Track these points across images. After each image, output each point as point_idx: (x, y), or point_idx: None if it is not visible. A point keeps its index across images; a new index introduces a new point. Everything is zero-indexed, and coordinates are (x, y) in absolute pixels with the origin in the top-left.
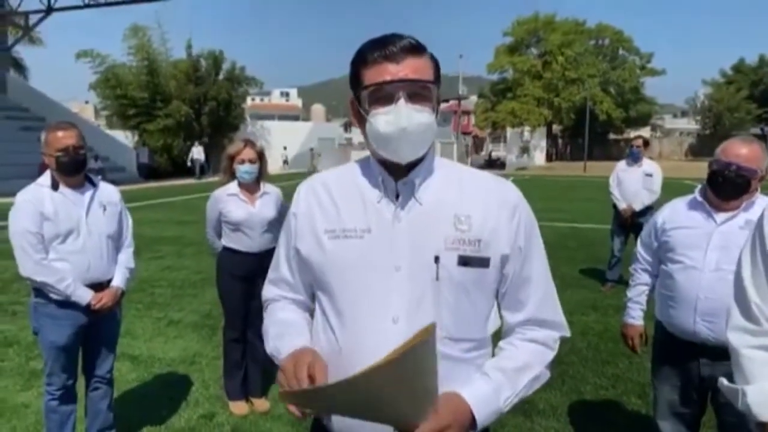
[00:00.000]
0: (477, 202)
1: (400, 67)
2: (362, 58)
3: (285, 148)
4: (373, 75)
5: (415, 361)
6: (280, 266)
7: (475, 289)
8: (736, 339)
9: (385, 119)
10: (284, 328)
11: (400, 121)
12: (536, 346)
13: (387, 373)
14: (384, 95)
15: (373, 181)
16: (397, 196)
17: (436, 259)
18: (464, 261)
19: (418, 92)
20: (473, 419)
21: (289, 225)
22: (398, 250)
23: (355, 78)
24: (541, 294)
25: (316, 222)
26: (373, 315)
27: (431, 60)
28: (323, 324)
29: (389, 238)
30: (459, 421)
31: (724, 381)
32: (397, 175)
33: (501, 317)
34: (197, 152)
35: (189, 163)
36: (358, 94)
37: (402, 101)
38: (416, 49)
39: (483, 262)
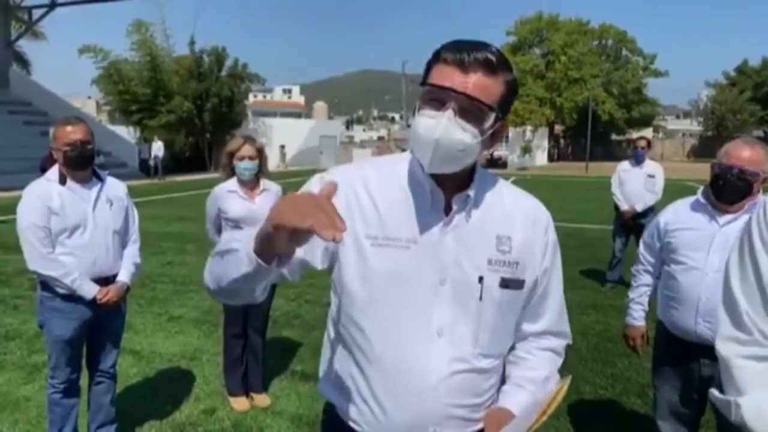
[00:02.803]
0: (516, 224)
1: (466, 78)
2: (438, 53)
3: (282, 147)
4: (437, 74)
5: None
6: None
7: (508, 308)
8: (726, 349)
9: (426, 123)
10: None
11: (436, 130)
12: (551, 355)
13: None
14: (437, 98)
15: (421, 189)
16: (447, 209)
17: (480, 279)
18: (505, 283)
19: (471, 110)
20: None
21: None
22: (444, 265)
23: (426, 70)
24: (557, 308)
25: (356, 225)
26: (415, 327)
27: (505, 84)
28: (354, 331)
29: (436, 251)
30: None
31: (715, 392)
32: (445, 186)
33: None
34: (157, 148)
35: (152, 162)
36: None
37: (450, 112)
38: (492, 66)
39: (520, 284)
